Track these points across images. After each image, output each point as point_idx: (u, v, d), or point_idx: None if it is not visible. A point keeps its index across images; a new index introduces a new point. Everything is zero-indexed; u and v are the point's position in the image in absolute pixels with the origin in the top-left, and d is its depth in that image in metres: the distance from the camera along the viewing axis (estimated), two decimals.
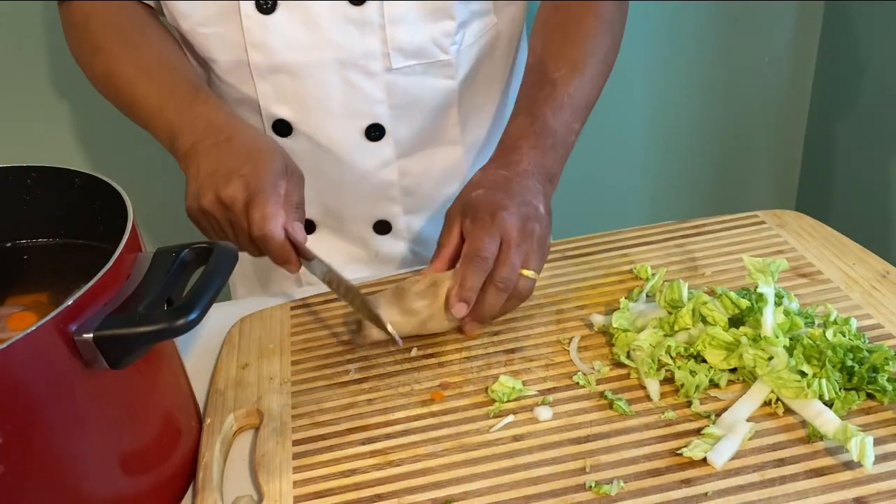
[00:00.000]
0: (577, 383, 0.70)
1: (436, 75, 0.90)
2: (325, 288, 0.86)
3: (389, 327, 0.71)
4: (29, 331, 0.48)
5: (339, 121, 0.89)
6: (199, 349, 0.81)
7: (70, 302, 0.51)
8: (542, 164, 0.78)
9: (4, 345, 0.48)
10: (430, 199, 0.97)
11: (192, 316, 0.51)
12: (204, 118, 0.77)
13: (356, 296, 0.73)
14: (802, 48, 1.59)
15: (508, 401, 0.68)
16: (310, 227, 0.97)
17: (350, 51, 0.85)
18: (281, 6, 0.83)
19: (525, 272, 0.73)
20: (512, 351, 0.75)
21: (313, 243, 0.93)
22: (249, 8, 0.83)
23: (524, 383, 0.70)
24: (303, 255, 0.73)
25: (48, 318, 0.49)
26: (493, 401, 0.69)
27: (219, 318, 0.83)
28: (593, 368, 0.71)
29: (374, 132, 0.90)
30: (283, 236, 0.71)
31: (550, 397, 0.68)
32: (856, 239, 0.86)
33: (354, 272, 0.88)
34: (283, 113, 0.88)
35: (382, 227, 0.98)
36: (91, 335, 0.51)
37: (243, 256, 1.02)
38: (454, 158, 0.97)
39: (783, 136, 1.69)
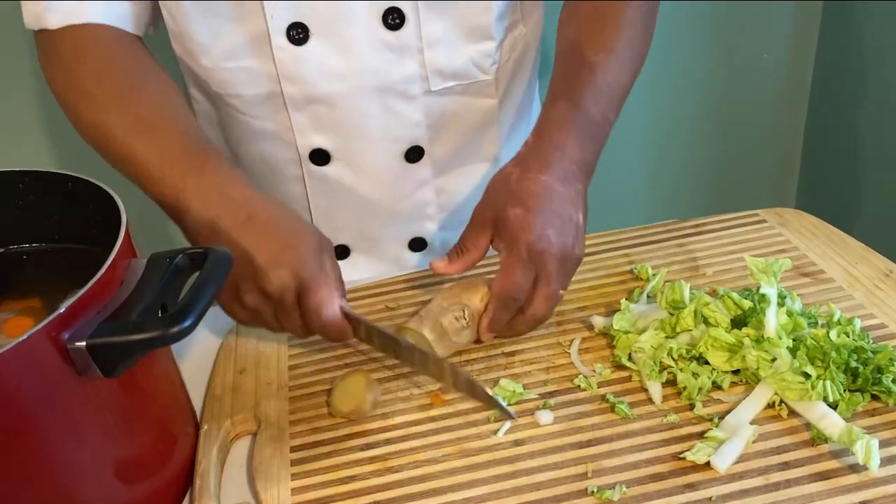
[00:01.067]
0: (579, 386, 0.69)
1: (476, 95, 0.88)
2: None
3: (501, 401, 0.65)
4: (21, 339, 0.48)
5: (379, 146, 0.86)
6: (196, 355, 0.80)
7: (62, 310, 0.50)
8: (583, 159, 0.74)
9: None
10: (465, 213, 0.94)
11: (187, 323, 0.51)
12: (216, 190, 0.68)
13: (447, 369, 0.67)
14: (801, 45, 1.58)
15: (509, 405, 0.68)
16: (343, 252, 0.95)
17: (388, 76, 0.82)
18: (314, 36, 0.79)
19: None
20: (512, 354, 0.74)
21: (345, 267, 0.84)
22: (281, 39, 0.79)
23: (524, 387, 0.69)
24: (355, 328, 0.69)
25: (40, 325, 0.49)
26: None
27: (216, 324, 0.83)
28: (594, 371, 0.70)
29: (413, 154, 0.88)
30: (342, 317, 0.67)
31: (552, 401, 0.68)
32: (857, 237, 0.85)
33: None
34: (321, 142, 0.86)
35: (417, 245, 0.96)
36: (84, 343, 0.50)
37: None
38: (489, 172, 0.94)
39: (782, 134, 1.68)
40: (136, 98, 0.75)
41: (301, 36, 0.79)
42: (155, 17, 0.83)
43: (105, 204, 0.61)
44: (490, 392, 0.64)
